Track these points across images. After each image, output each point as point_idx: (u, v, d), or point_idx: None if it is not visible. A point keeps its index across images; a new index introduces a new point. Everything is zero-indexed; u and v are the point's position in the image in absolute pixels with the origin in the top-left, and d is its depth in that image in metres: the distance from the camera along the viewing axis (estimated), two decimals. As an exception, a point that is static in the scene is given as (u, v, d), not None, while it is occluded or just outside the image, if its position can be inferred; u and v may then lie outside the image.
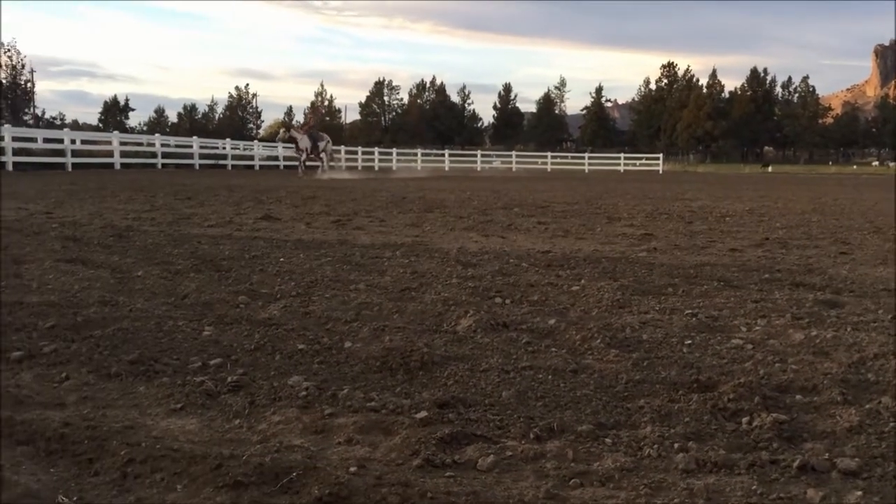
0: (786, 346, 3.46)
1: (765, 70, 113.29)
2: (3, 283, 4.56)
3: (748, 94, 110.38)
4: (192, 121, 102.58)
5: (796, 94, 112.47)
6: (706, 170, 67.76)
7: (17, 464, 2.07)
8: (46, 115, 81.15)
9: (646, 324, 3.87)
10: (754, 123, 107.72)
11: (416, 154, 53.88)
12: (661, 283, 5.05)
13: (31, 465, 2.07)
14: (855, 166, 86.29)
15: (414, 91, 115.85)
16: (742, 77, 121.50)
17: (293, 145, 30.61)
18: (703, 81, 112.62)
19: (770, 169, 71.23)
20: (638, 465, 2.13)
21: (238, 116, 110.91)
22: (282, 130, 34.67)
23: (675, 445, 2.24)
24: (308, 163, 30.06)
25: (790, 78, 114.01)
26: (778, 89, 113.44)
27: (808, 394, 2.77)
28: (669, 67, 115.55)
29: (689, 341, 3.51)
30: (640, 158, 61.39)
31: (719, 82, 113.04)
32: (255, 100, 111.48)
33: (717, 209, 12.84)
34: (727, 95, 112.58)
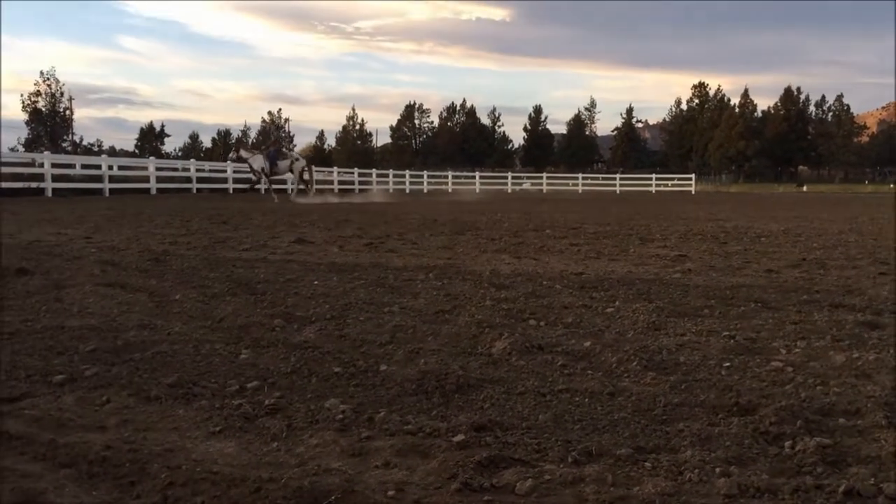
0: (827, 368, 3.41)
1: (798, 89, 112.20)
2: (43, 308, 4.65)
3: (781, 113, 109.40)
4: (226, 145, 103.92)
5: (830, 113, 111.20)
6: (739, 190, 67.12)
7: (60, 486, 2.09)
8: (84, 142, 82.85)
9: (683, 346, 3.83)
10: (788, 143, 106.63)
11: (446, 176, 54.03)
12: (697, 305, 5.01)
13: (73, 488, 2.10)
14: (892, 185, 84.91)
15: (444, 114, 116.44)
16: (775, 96, 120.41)
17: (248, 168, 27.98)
18: (735, 101, 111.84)
19: (805, 188, 70.39)
20: (679, 490, 2.10)
21: (271, 141, 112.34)
22: (231, 151, 30.81)
23: (717, 470, 2.21)
24: (274, 186, 27.47)
25: (824, 97, 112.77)
26: (812, 108, 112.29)
27: (851, 417, 2.72)
28: (700, 87, 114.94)
29: (728, 364, 3.47)
30: (672, 179, 60.98)
31: (751, 101, 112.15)
32: (287, 124, 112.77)
33: (751, 229, 12.70)
34: (760, 115, 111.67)
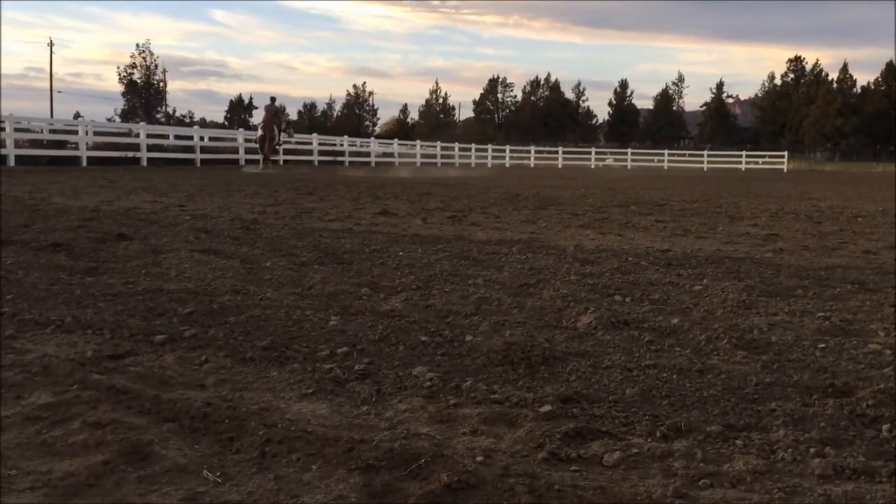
0: (929, 352, 3.28)
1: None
2: (142, 272, 4.85)
3: (882, 88, 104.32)
4: (312, 118, 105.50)
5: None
6: (835, 168, 64.53)
7: (164, 439, 2.20)
8: (177, 113, 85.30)
9: (774, 326, 3.74)
10: (888, 120, 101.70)
11: (529, 151, 53.64)
12: (790, 285, 4.87)
13: (177, 441, 2.20)
14: None
15: (528, 88, 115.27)
16: (877, 71, 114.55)
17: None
18: (833, 76, 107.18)
19: (905, 168, 67.13)
20: (771, 469, 2.07)
21: (355, 114, 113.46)
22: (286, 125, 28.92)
23: (811, 450, 2.17)
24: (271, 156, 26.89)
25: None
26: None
27: (955, 403, 2.61)
28: (796, 62, 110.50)
29: (822, 345, 3.38)
30: (763, 156, 59.03)
31: (851, 76, 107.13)
32: (371, 97, 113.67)
33: (848, 209, 12.23)
34: (859, 90, 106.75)
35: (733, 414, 2.50)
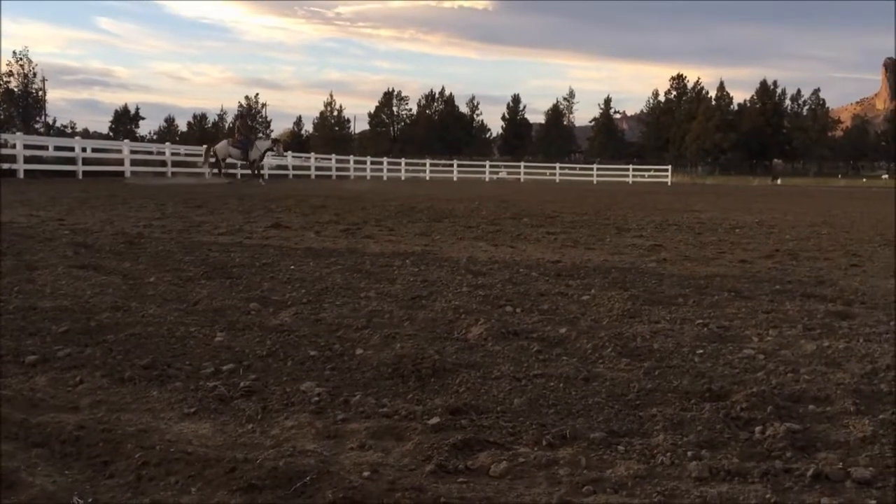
0: (798, 356, 3.46)
1: (774, 83, 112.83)
2: (15, 289, 4.59)
3: (757, 106, 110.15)
4: (203, 130, 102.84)
5: (806, 107, 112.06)
6: (715, 182, 67.64)
7: (32, 465, 2.08)
8: (58, 124, 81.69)
9: (657, 333, 3.87)
10: (763, 136, 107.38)
11: (424, 164, 53.92)
12: (672, 294, 5.05)
13: (46, 467, 2.08)
14: (864, 179, 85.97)
15: (423, 102, 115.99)
16: (752, 89, 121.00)
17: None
18: (713, 94, 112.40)
19: (779, 181, 71.03)
20: (651, 473, 2.13)
21: (248, 126, 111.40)
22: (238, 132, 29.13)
23: (689, 453, 2.24)
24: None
25: (799, 90, 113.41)
26: (787, 102, 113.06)
27: (820, 404, 2.76)
28: (678, 79, 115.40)
29: (701, 351, 3.51)
30: (649, 170, 61.29)
31: (728, 94, 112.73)
32: (264, 109, 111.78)
33: (726, 221, 12.82)
34: (736, 107, 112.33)
35: (616, 420, 2.56)
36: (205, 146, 27.02)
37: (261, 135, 29.14)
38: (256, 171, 28.22)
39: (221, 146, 28.01)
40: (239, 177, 30.17)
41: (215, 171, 28.13)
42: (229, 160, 28.47)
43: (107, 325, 3.70)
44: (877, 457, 2.24)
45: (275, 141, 30.28)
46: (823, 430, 2.49)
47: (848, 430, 2.47)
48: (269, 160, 30.81)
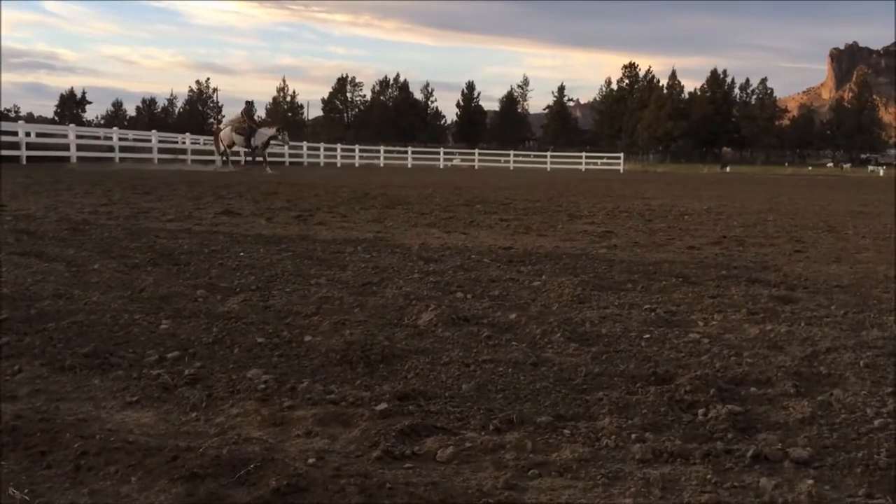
0: (741, 340, 3.52)
1: (724, 72, 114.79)
2: (-47, 276, 4.46)
3: (707, 95, 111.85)
4: (152, 115, 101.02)
5: (754, 96, 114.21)
6: (666, 169, 68.49)
7: (-34, 457, 2.02)
8: (1, 108, 79.43)
9: (605, 318, 3.91)
10: (713, 124, 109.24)
11: (378, 151, 53.65)
12: (621, 280, 5.10)
13: (-20, 459, 2.03)
14: (810, 168, 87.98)
15: (377, 88, 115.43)
16: (702, 78, 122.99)
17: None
18: (664, 82, 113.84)
19: (728, 169, 72.20)
20: (595, 456, 2.15)
21: (198, 111, 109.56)
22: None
23: (633, 436, 2.27)
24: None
25: (748, 80, 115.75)
26: (736, 91, 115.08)
27: (762, 386, 2.82)
28: (631, 68, 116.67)
29: (648, 335, 3.55)
30: (602, 158, 61.85)
31: (679, 83, 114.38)
32: (215, 94, 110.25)
33: (676, 208, 13.00)
34: (687, 96, 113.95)
35: (563, 404, 2.58)
36: (214, 136, 27.24)
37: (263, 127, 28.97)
38: (262, 158, 28.12)
39: (225, 132, 28.51)
40: (243, 162, 29.88)
41: (224, 159, 28.66)
42: (234, 147, 28.82)
43: (48, 313, 3.61)
44: (815, 438, 2.29)
45: (279, 129, 30.06)
46: (764, 412, 2.54)
47: (787, 412, 2.53)
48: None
